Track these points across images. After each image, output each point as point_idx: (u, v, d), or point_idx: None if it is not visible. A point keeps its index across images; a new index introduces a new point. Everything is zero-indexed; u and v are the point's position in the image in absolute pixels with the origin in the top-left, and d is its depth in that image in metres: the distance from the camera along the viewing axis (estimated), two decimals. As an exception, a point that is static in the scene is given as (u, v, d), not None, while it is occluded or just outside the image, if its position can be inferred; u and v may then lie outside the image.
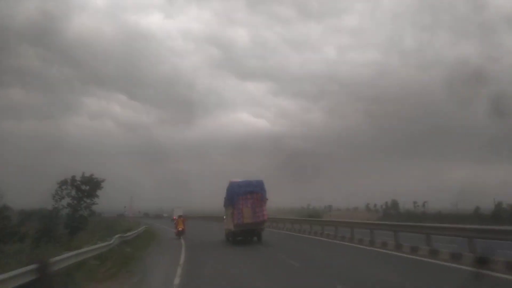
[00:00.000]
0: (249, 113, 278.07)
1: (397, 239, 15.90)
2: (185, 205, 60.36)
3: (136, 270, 12.49)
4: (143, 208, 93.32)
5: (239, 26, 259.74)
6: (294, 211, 74.88)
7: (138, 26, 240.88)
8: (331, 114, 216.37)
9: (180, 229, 26.79)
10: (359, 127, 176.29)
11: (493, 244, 11.52)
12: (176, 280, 10.14)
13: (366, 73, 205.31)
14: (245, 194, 20.05)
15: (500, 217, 38.17)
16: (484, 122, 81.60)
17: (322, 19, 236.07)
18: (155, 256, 17.61)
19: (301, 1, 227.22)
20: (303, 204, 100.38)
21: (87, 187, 30.65)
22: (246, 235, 20.40)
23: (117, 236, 19.23)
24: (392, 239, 16.15)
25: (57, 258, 9.94)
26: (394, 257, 13.56)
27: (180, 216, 28.78)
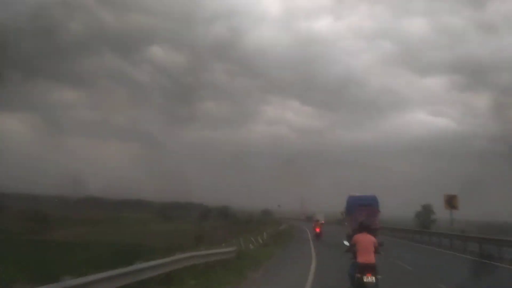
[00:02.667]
0: (428, 112, 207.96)
1: None
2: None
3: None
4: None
5: (417, 15, 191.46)
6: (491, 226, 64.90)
7: (310, 32, 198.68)
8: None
9: (317, 231, 31.86)
10: None
11: None
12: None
13: None
14: (360, 206, 23.88)
15: None
16: None
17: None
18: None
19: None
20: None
21: None
22: None
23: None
24: None
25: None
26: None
27: (317, 221, 35.04)
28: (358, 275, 8.82)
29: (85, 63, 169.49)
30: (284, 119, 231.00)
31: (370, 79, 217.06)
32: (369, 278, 8.76)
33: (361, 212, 22.79)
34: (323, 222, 60.16)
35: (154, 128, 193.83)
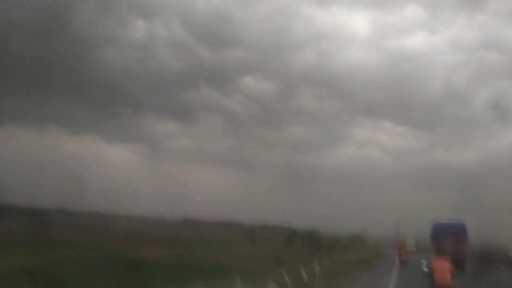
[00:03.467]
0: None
1: None
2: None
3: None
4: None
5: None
6: None
7: (402, 49, 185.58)
8: None
9: (403, 258, 32.25)
10: None
11: None
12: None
13: None
14: (446, 234, 24.16)
15: None
16: None
17: None
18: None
19: None
20: None
21: None
22: None
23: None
24: None
25: None
26: None
27: (403, 248, 34.96)
28: None
29: (185, 96, 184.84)
30: (376, 141, 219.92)
31: (473, 94, 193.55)
32: None
33: (448, 239, 23.65)
34: (414, 250, 58.04)
35: (247, 153, 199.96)
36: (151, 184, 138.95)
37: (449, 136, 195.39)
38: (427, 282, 10.56)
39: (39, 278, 17.18)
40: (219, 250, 45.44)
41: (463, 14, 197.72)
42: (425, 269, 11.96)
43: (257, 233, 72.63)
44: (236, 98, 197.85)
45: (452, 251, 24.29)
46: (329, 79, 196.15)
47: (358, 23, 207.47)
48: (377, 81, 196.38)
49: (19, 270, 19.36)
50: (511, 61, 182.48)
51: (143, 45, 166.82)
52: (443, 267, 10.11)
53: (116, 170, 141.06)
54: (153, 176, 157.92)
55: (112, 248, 32.61)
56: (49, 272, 18.63)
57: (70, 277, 17.29)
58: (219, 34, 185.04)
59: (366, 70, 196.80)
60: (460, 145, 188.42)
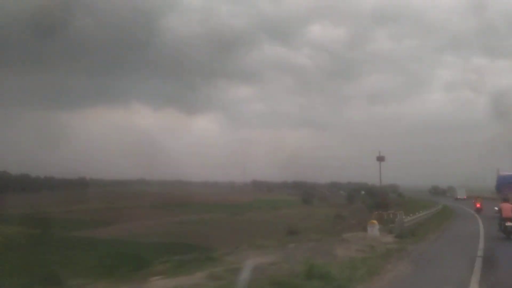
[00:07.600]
0: None
1: None
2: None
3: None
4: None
5: None
6: None
7: None
8: None
9: (478, 206, 33.77)
10: None
11: None
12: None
13: None
14: (509, 184, 28.75)
15: None
16: None
17: None
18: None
19: None
20: None
21: None
22: None
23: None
24: None
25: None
26: None
27: (477, 197, 37.91)
28: (503, 223, 17.37)
29: (250, 57, 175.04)
30: (467, 81, 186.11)
31: None
32: (509, 223, 17.09)
33: (510, 189, 27.92)
34: (464, 197, 60.84)
35: (321, 111, 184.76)
36: (230, 151, 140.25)
37: None
38: (498, 217, 18.10)
39: None
40: (246, 217, 43.58)
41: None
42: (496, 208, 19.34)
43: (319, 192, 68.89)
44: (304, 51, 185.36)
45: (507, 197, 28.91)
46: (407, 13, 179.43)
47: None
48: (467, 6, 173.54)
49: None
50: None
51: (202, 6, 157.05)
52: (507, 207, 17.40)
53: (198, 140, 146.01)
54: (231, 143, 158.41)
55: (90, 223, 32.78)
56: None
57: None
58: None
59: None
60: None
